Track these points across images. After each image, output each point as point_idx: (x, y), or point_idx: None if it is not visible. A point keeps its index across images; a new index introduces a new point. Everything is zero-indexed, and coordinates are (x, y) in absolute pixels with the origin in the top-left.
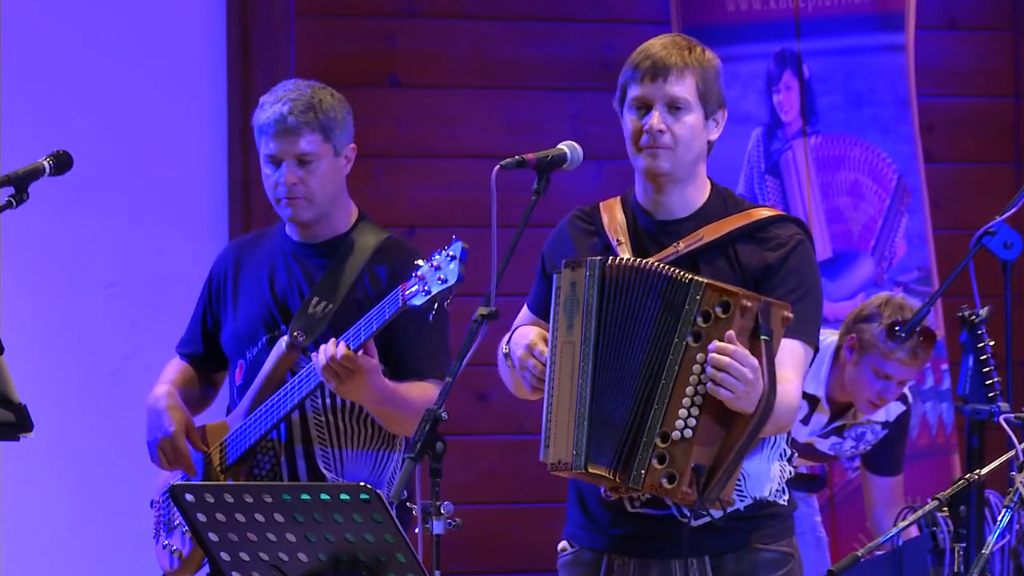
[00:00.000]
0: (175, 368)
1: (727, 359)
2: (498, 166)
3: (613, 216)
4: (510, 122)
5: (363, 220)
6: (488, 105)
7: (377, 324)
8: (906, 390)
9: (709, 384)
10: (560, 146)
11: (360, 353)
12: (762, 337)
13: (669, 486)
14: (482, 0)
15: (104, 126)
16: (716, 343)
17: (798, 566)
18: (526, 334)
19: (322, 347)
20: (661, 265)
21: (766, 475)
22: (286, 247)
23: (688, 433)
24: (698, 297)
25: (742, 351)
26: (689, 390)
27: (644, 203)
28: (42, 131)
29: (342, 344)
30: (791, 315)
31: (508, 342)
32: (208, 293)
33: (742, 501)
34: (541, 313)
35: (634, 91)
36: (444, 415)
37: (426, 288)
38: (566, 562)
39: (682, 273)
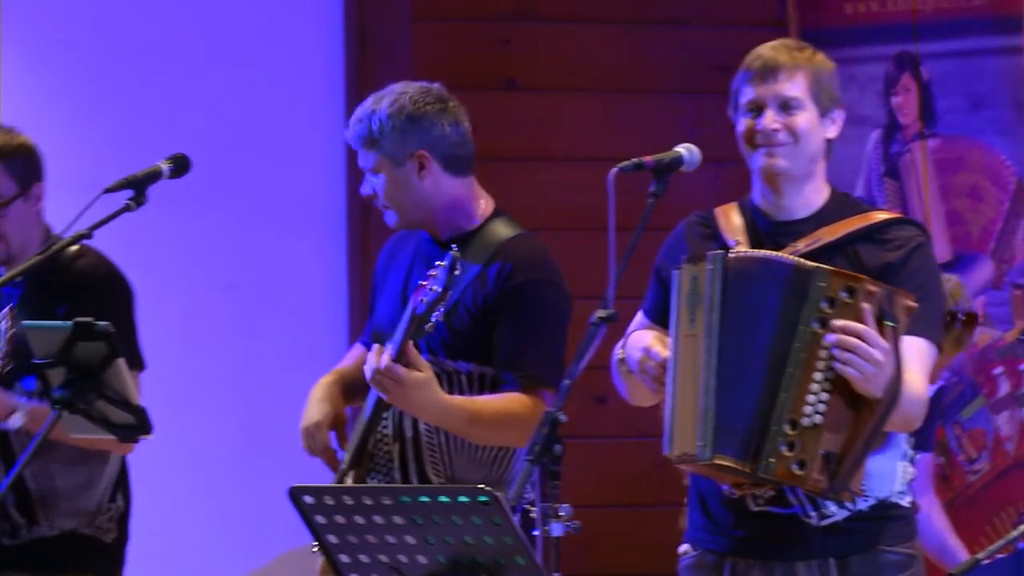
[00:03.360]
0: (353, 355)
1: (855, 340)
2: (616, 169)
3: (730, 219)
4: (628, 125)
5: (498, 216)
6: (606, 108)
7: (400, 333)
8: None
9: (837, 365)
10: (677, 148)
11: (403, 364)
12: (888, 323)
13: (799, 473)
14: (600, 4)
15: (223, 129)
16: (844, 323)
17: (921, 568)
18: (641, 338)
19: (369, 355)
20: (784, 254)
21: (890, 475)
22: (422, 246)
23: (817, 419)
24: (822, 284)
25: (871, 332)
26: (817, 376)
27: (762, 205)
28: (161, 134)
29: (387, 353)
30: (915, 305)
31: (623, 347)
32: (373, 284)
33: (865, 501)
34: (656, 319)
35: (747, 94)
36: (563, 417)
37: (428, 296)
38: (688, 565)
39: (805, 261)
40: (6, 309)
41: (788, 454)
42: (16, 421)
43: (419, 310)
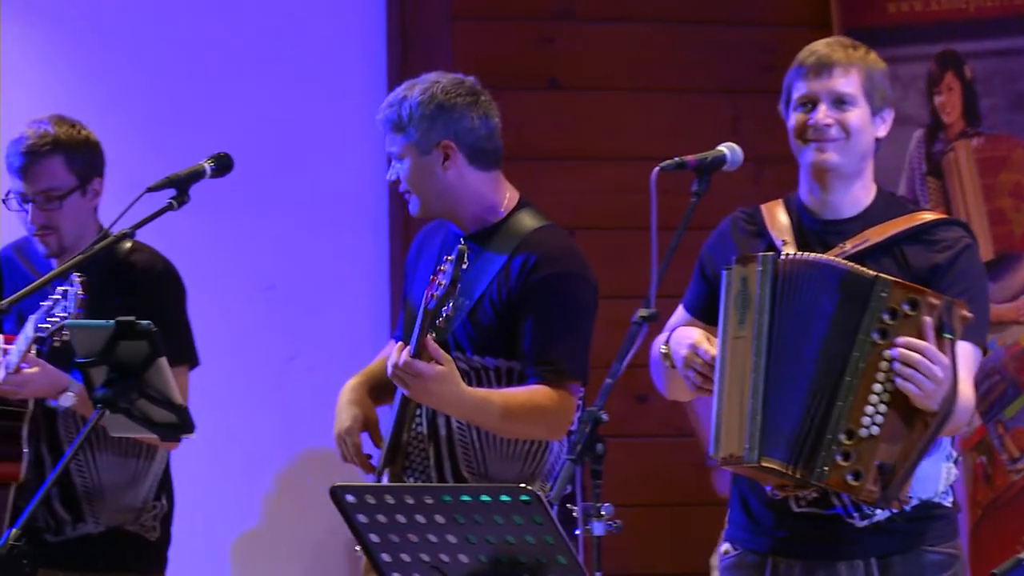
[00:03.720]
0: (385, 352)
1: (918, 356)
2: (658, 168)
3: (776, 217)
4: (670, 124)
5: (522, 208)
6: (648, 107)
7: (417, 327)
8: None
9: (898, 380)
10: (720, 148)
11: (423, 358)
12: (946, 336)
13: (854, 483)
14: (642, 3)
15: (264, 128)
16: (907, 339)
17: (963, 568)
18: (688, 334)
19: (392, 351)
20: (837, 259)
21: (935, 477)
22: (447, 238)
23: (875, 430)
24: (884, 294)
25: (933, 349)
26: (876, 387)
27: (809, 203)
28: (203, 134)
29: (406, 350)
30: (971, 316)
31: (667, 342)
32: (404, 278)
33: (909, 502)
34: (697, 313)
35: (800, 89)
36: (604, 416)
37: (438, 291)
38: (729, 565)
39: (863, 268)
40: (74, 289)
41: (843, 464)
42: (67, 400)
43: (430, 305)
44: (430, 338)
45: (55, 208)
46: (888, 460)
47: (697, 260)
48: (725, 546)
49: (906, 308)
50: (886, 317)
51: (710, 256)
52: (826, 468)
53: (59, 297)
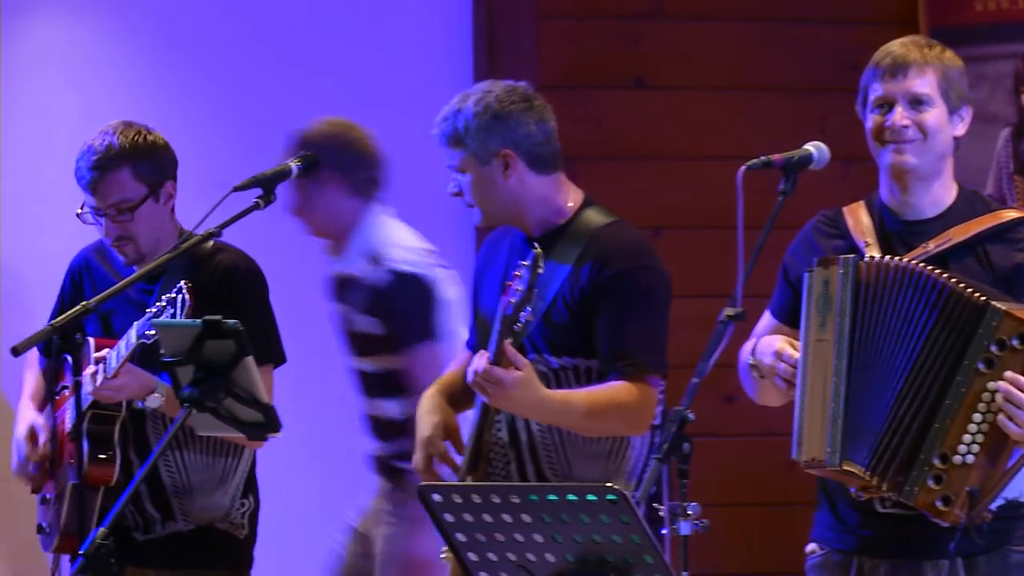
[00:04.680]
0: (458, 362)
1: (1023, 395)
2: (744, 167)
3: (858, 219)
4: (757, 123)
5: (588, 206)
6: (735, 106)
7: (495, 335)
8: None
9: (1001, 418)
10: (807, 146)
11: (502, 364)
12: None
13: (943, 508)
14: (730, 2)
15: None
16: (1015, 376)
17: None
18: (771, 342)
19: (473, 358)
20: (933, 271)
21: (1019, 476)
22: (516, 243)
23: (970, 459)
24: (994, 323)
25: None
26: (977, 416)
27: (890, 204)
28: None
29: (485, 357)
30: None
31: (753, 353)
32: (472, 286)
33: (994, 502)
34: (784, 318)
35: (876, 91)
36: (691, 416)
37: (515, 297)
38: (814, 564)
39: (971, 291)
40: (181, 296)
41: (934, 487)
42: (154, 401)
43: (508, 311)
44: (508, 344)
45: (128, 219)
46: (977, 486)
47: (780, 264)
48: (811, 546)
49: (1015, 343)
50: (994, 348)
51: (792, 260)
52: (916, 488)
53: (165, 304)
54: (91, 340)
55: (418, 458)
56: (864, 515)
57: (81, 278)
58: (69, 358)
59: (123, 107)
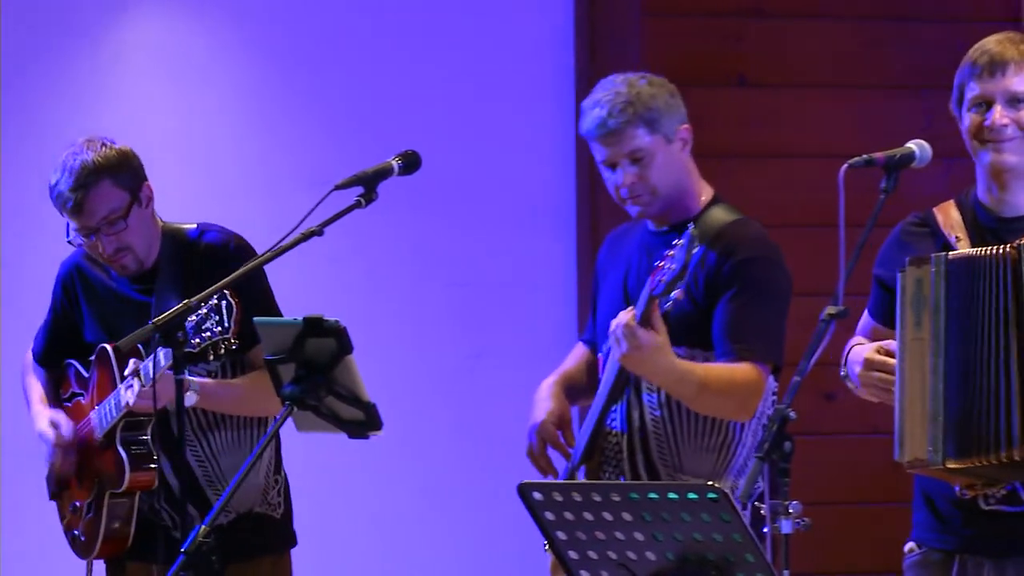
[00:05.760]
0: (575, 355)
1: None
2: (846, 165)
3: (949, 216)
4: (859, 121)
5: (716, 203)
6: (837, 104)
7: (639, 307)
8: None
9: None
10: (909, 145)
11: (647, 327)
12: None
13: None
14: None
15: (455, 127)
16: None
17: None
18: (859, 353)
19: (621, 314)
20: None
21: None
22: (644, 238)
23: None
24: None
25: None
26: None
27: (986, 201)
28: (391, 133)
29: (631, 313)
30: None
31: (844, 364)
32: (594, 282)
33: None
34: (880, 319)
35: (972, 90)
36: (792, 414)
37: (667, 275)
38: (914, 563)
39: None
40: (227, 303)
41: None
42: (190, 400)
43: (657, 290)
44: (656, 309)
45: (122, 228)
46: None
47: (874, 267)
48: (909, 544)
49: None
50: None
51: (884, 263)
52: None
53: (207, 312)
54: (109, 349)
55: (532, 443)
56: (967, 513)
57: (74, 284)
58: (76, 363)
59: (224, 104)
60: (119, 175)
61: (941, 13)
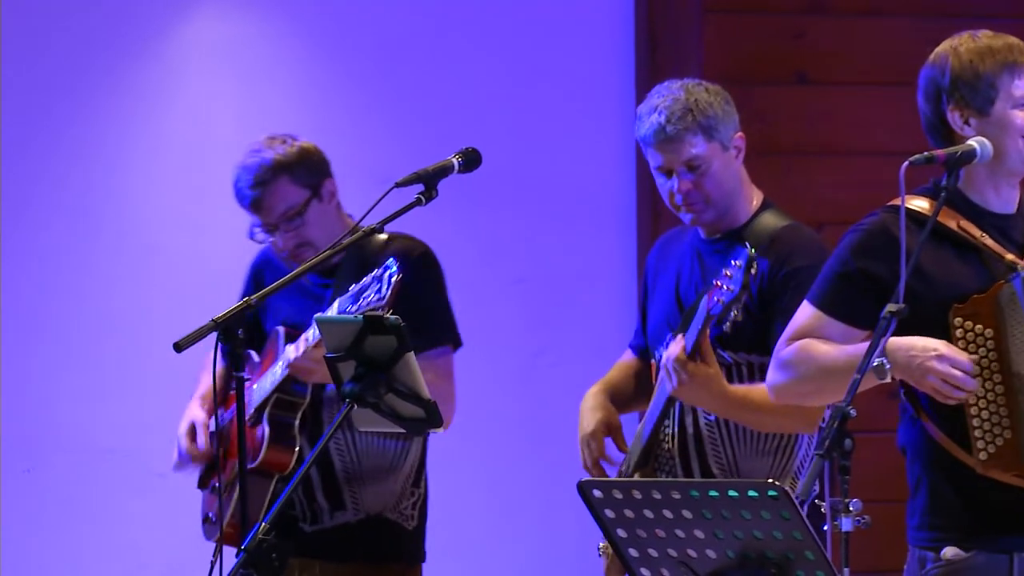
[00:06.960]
0: (619, 365)
1: None
2: (907, 162)
3: (931, 207)
4: (919, 118)
5: (766, 208)
6: (897, 102)
7: (696, 330)
8: None
9: None
10: (970, 142)
11: (696, 358)
12: None
13: None
14: None
15: (515, 125)
16: None
17: None
18: (925, 345)
19: (671, 346)
20: None
21: None
22: (695, 243)
23: None
24: None
25: None
26: None
27: (985, 197)
28: (452, 132)
29: (681, 345)
30: None
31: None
32: (644, 285)
33: None
34: (848, 318)
35: (1020, 88)
36: (852, 412)
37: (725, 297)
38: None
39: None
40: (389, 271)
41: None
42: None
43: (715, 310)
44: (707, 339)
45: (300, 224)
46: None
47: (847, 260)
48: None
49: None
50: None
51: (868, 252)
52: None
53: (369, 280)
54: (281, 329)
55: (585, 455)
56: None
57: (262, 275)
58: (253, 353)
59: (286, 103)
60: (298, 172)
61: (1002, 11)
